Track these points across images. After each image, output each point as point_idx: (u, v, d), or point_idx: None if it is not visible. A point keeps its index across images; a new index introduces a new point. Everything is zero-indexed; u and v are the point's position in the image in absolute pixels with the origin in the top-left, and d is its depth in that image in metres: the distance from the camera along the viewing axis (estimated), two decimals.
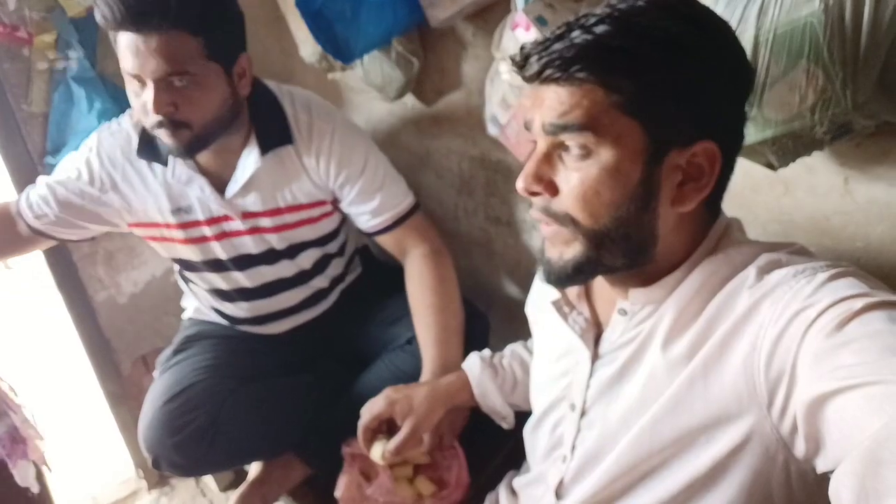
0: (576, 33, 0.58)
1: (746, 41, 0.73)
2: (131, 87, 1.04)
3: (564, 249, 0.65)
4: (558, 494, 0.78)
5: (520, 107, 1.02)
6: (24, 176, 1.54)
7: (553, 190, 0.63)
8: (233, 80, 1.09)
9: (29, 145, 1.53)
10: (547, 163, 0.63)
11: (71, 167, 1.24)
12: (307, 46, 1.41)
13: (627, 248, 0.64)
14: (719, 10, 0.75)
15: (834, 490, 0.47)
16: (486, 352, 1.10)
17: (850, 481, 0.45)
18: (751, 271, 0.61)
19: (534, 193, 0.64)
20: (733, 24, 0.74)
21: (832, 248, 0.91)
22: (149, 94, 1.01)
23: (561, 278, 0.67)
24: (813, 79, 0.71)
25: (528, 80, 0.63)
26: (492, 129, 1.12)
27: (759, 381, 0.56)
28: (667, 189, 0.61)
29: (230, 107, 1.10)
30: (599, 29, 0.57)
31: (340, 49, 1.24)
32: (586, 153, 0.60)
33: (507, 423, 1.07)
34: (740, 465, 0.60)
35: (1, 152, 1.52)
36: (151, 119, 1.04)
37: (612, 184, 0.60)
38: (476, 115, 1.22)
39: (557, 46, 0.59)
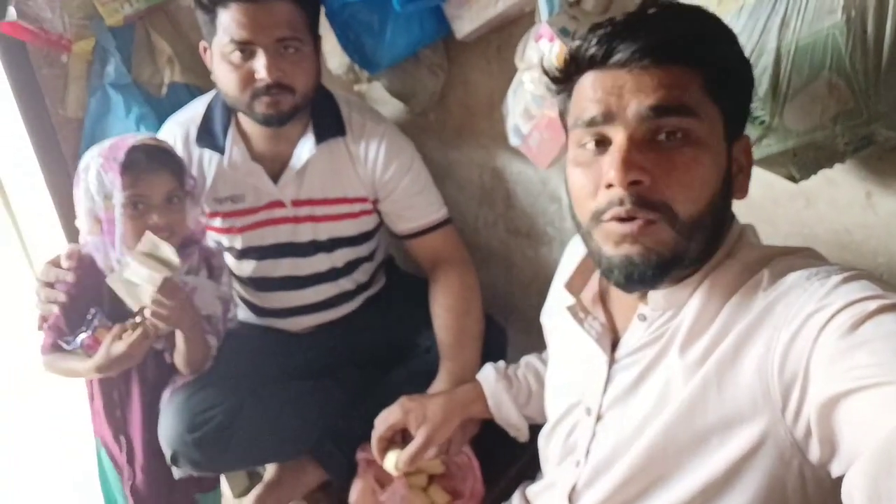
0: (659, 20, 0.61)
1: (768, 53, 0.74)
2: (227, 62, 1.11)
3: (654, 243, 0.61)
4: (571, 500, 0.77)
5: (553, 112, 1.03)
6: (59, 179, 1.59)
7: (650, 178, 0.60)
8: (319, 57, 1.18)
9: (63, 149, 1.58)
10: (640, 151, 0.60)
11: None
12: (334, 58, 1.44)
13: (710, 238, 0.64)
14: (741, 21, 0.76)
15: (847, 491, 0.47)
16: (501, 363, 1.10)
17: (862, 481, 0.45)
18: (765, 274, 0.62)
19: (635, 183, 0.60)
20: (755, 35, 0.75)
21: (853, 263, 0.90)
22: (260, 61, 1.08)
23: (644, 277, 0.63)
24: (835, 90, 0.71)
25: (615, 66, 0.61)
26: (514, 140, 1.13)
27: (774, 382, 0.56)
28: (733, 177, 0.65)
29: (318, 83, 1.19)
30: (682, 16, 0.62)
31: (367, 59, 1.27)
32: (686, 136, 0.60)
33: (521, 436, 1.07)
34: (754, 470, 0.60)
35: (36, 156, 1.57)
36: (259, 84, 1.10)
37: (712, 166, 0.61)
38: (499, 127, 1.23)
39: (643, 33, 0.60)
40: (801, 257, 0.63)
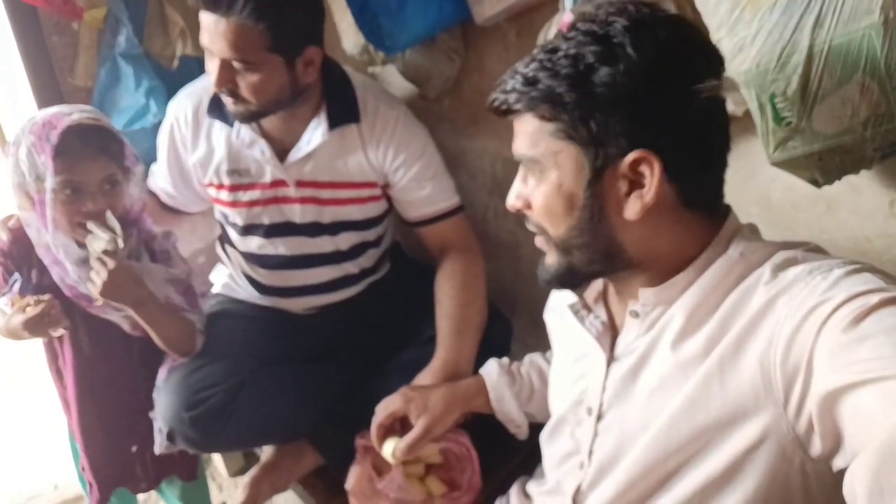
0: (514, 74, 0.67)
1: (800, 52, 0.72)
2: (206, 53, 1.11)
3: (547, 256, 0.73)
4: (576, 502, 0.77)
5: None
6: None
7: (529, 206, 0.71)
8: (295, 70, 1.12)
9: None
10: (524, 183, 0.72)
11: (163, 143, 1.33)
12: (349, 38, 1.42)
13: (593, 255, 0.69)
14: (774, 17, 0.73)
15: (848, 485, 0.47)
16: (505, 359, 1.10)
17: (864, 476, 0.45)
18: (766, 269, 0.62)
19: (518, 210, 0.73)
20: (787, 33, 0.73)
21: None
22: (212, 65, 1.09)
23: (549, 281, 0.74)
24: (867, 93, 0.69)
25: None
26: None
27: (776, 376, 0.57)
28: (613, 200, 0.65)
29: (289, 92, 1.14)
30: (525, 68, 0.66)
31: (384, 41, 1.25)
32: (540, 175, 0.68)
33: (521, 433, 1.07)
34: (756, 465, 0.60)
35: None
36: (215, 87, 1.12)
37: (560, 200, 0.67)
38: None
39: (500, 87, 0.69)
40: (803, 251, 0.63)
